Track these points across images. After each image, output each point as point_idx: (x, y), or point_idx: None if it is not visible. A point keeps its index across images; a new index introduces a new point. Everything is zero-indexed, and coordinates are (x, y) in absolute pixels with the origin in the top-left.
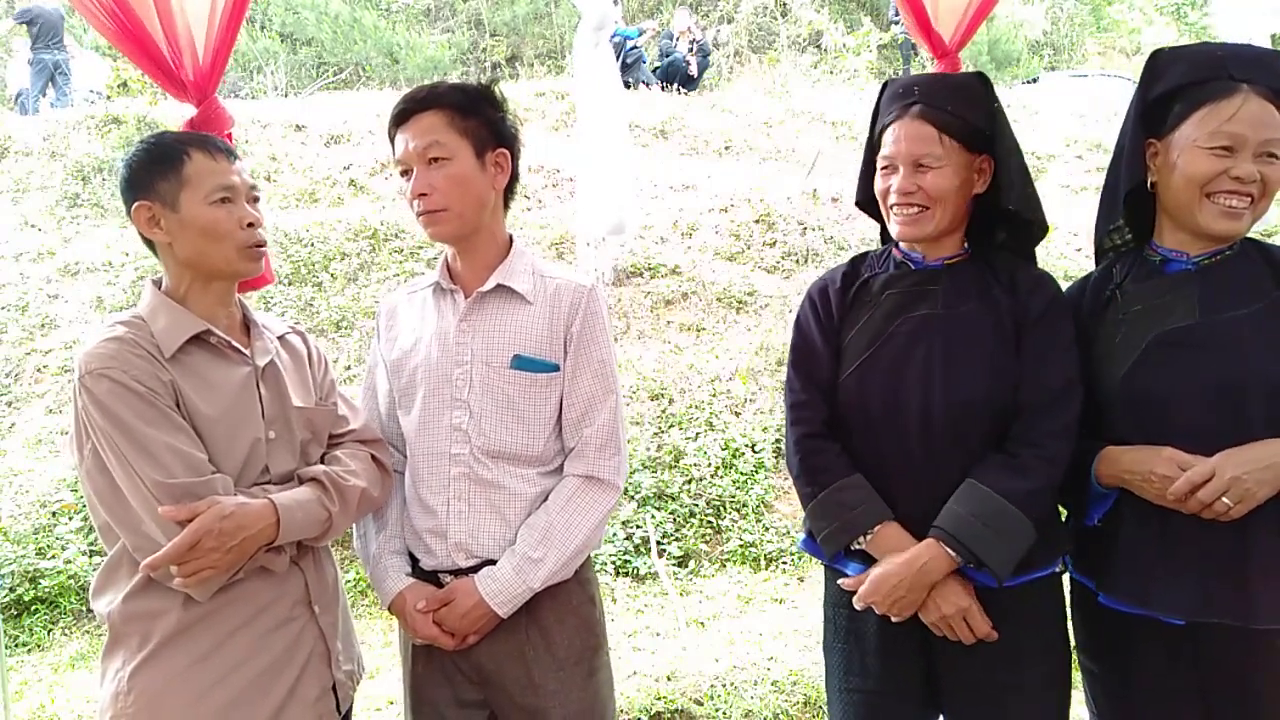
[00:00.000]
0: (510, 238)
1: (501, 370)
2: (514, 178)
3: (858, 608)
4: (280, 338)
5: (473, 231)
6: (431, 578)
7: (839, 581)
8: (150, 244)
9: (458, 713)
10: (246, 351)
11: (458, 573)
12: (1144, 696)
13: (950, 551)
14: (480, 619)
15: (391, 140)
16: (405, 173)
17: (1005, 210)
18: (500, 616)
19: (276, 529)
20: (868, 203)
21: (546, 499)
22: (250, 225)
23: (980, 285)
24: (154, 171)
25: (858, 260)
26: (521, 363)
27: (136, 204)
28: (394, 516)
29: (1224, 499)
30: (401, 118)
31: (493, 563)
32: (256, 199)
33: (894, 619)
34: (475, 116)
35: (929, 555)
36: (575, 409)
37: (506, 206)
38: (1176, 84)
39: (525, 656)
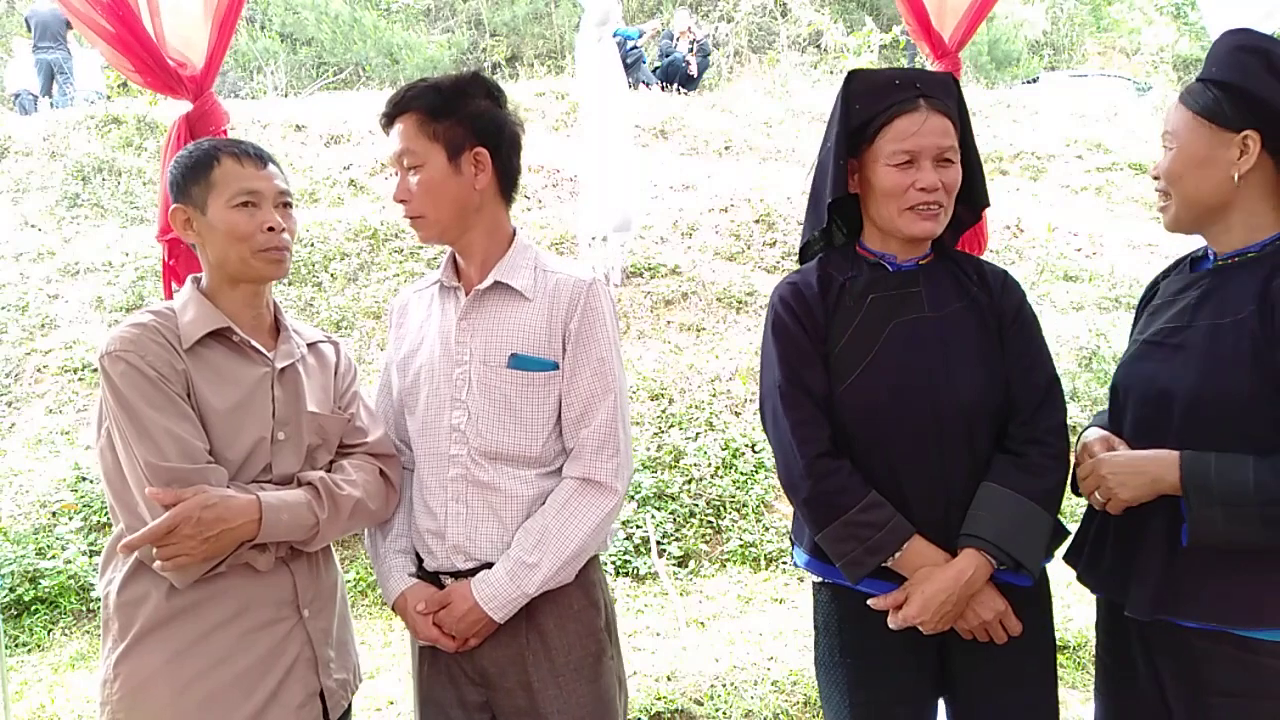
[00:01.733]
0: (513, 232)
1: (499, 370)
2: (511, 170)
3: (894, 628)
4: (313, 345)
5: (460, 233)
6: (435, 578)
7: (870, 602)
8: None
9: (461, 714)
10: (269, 353)
11: (457, 575)
12: (1120, 675)
13: (990, 558)
14: (476, 623)
15: None
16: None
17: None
18: (496, 621)
19: (257, 527)
20: (837, 199)
21: (545, 501)
22: (271, 229)
23: (957, 285)
24: (189, 177)
25: (825, 262)
26: (519, 361)
27: (174, 208)
28: (401, 516)
29: (1096, 494)
30: (386, 121)
31: (490, 566)
32: (288, 204)
33: (927, 632)
34: (448, 117)
35: (974, 566)
36: (574, 408)
37: (509, 200)
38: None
39: (525, 661)
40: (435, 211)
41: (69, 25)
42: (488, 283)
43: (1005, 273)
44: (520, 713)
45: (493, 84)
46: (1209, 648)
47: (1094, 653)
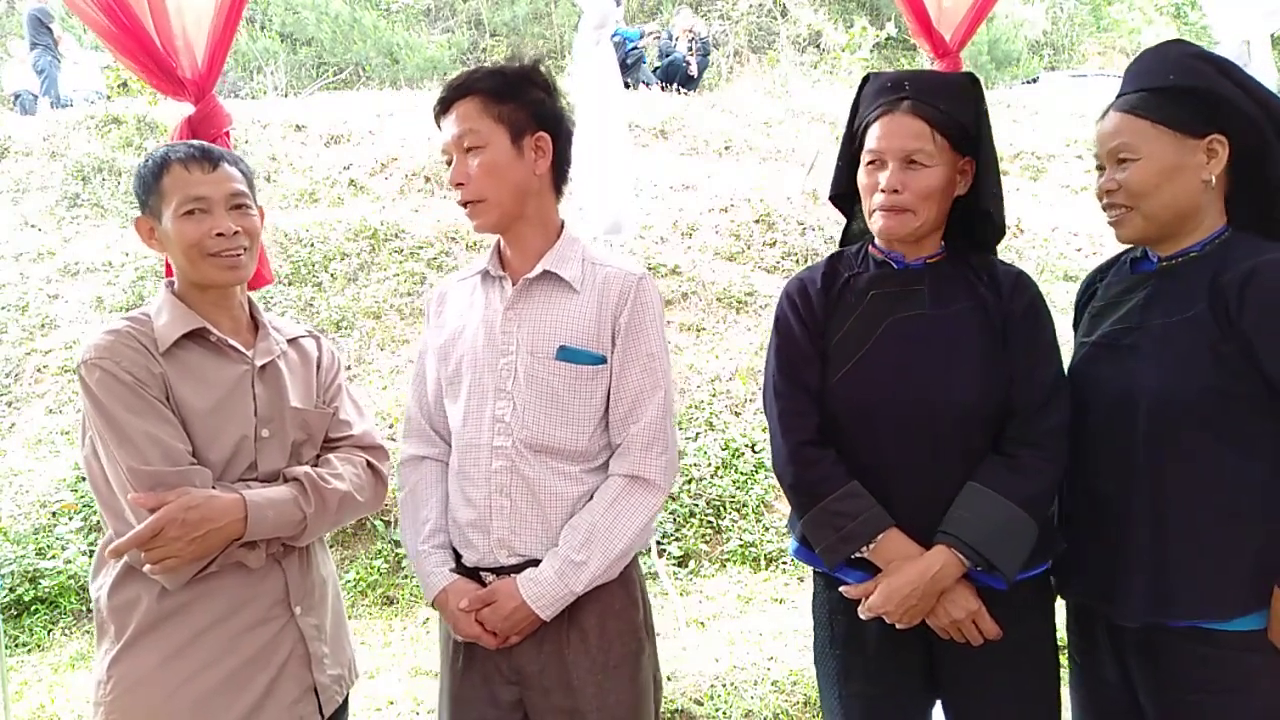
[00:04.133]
0: (562, 223)
1: (546, 361)
2: (565, 162)
3: (864, 617)
4: (294, 340)
5: (516, 220)
6: (474, 573)
7: (841, 590)
8: None
9: (493, 711)
10: (247, 351)
11: (499, 570)
12: (1092, 674)
13: (962, 557)
14: (523, 621)
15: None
16: (449, 162)
17: (974, 211)
18: (543, 619)
19: (244, 525)
20: (841, 197)
21: (590, 497)
22: (221, 235)
23: (964, 284)
24: (144, 187)
25: (835, 259)
26: (567, 354)
27: (137, 219)
28: (437, 510)
29: None
30: (443, 106)
31: (535, 562)
32: (242, 205)
33: (899, 627)
34: (512, 100)
35: (941, 562)
36: (622, 404)
37: (559, 193)
38: None
39: (565, 659)
40: (496, 193)
41: (38, 19)
42: (537, 271)
43: (1019, 272)
44: (558, 711)
45: (551, 78)
46: (1174, 643)
47: (1067, 653)
